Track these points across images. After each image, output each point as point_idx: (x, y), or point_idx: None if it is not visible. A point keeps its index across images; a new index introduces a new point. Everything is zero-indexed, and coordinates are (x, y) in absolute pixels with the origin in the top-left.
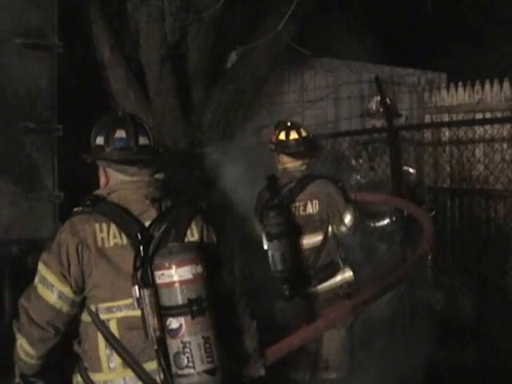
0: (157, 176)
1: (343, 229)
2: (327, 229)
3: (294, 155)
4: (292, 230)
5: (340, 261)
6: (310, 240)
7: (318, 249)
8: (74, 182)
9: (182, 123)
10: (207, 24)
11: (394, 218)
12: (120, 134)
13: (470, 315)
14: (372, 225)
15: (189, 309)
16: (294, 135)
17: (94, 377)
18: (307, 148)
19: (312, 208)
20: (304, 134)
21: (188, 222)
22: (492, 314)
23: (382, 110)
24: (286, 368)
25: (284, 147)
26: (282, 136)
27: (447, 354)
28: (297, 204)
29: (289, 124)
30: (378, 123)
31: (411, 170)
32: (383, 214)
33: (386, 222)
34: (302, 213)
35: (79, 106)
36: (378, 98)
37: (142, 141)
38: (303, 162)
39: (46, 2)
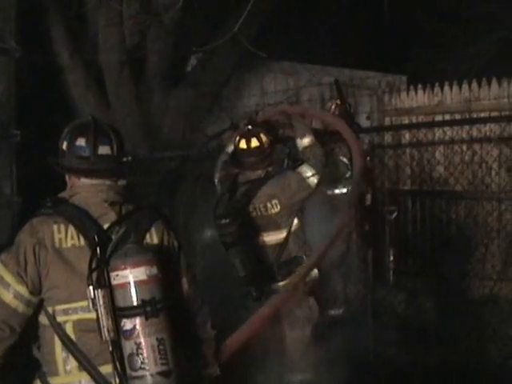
0: (119, 183)
1: (315, 181)
2: (291, 226)
3: (254, 163)
4: (247, 235)
5: (304, 257)
6: (273, 237)
7: (280, 245)
8: (33, 187)
9: (141, 127)
10: (167, 27)
11: None
12: (80, 141)
13: (432, 317)
14: None
15: (142, 310)
16: (255, 143)
17: (52, 381)
18: (268, 154)
19: (273, 208)
20: (265, 139)
21: (148, 226)
22: (453, 315)
23: (337, 112)
24: (251, 370)
25: (244, 156)
26: (243, 144)
27: (409, 355)
28: (256, 205)
29: (249, 128)
30: None
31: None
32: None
33: None
34: (264, 213)
35: (38, 110)
36: (337, 101)
37: (103, 150)
38: (263, 168)
39: (4, 5)
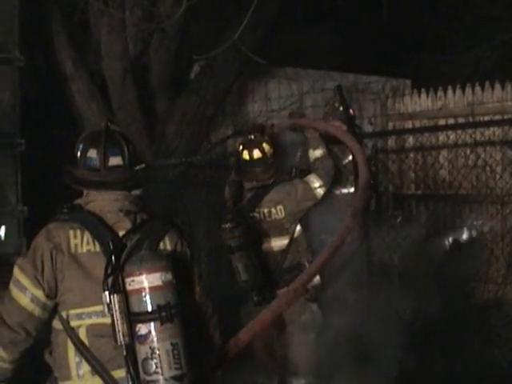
0: (133, 193)
1: (321, 193)
2: (294, 232)
3: (257, 174)
4: (252, 240)
5: (307, 264)
6: (276, 243)
7: (283, 251)
8: (38, 196)
9: (145, 135)
10: (169, 35)
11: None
12: (91, 153)
13: (436, 321)
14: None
15: (157, 315)
16: (257, 154)
17: None
18: (271, 164)
19: (277, 213)
20: (267, 148)
21: (162, 235)
22: (458, 320)
23: (334, 115)
24: (255, 373)
25: (247, 167)
26: (246, 155)
27: (414, 359)
28: (261, 210)
29: (251, 138)
30: None
31: None
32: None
33: None
34: (268, 218)
35: (43, 119)
36: (335, 104)
37: (114, 161)
38: (268, 178)
39: (7, 15)
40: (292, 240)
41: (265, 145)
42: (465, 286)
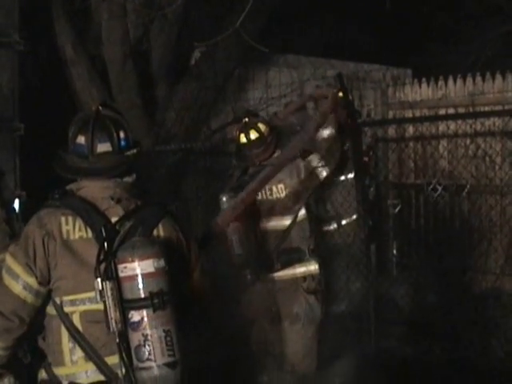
0: (125, 179)
1: (323, 173)
2: (297, 215)
3: (258, 155)
4: (249, 216)
5: (307, 251)
6: (276, 223)
7: (283, 233)
8: (37, 180)
9: (145, 121)
10: (170, 21)
11: (342, 223)
12: (80, 140)
13: (434, 311)
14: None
15: (150, 302)
16: (254, 134)
17: (58, 371)
18: (270, 142)
19: (278, 192)
20: (264, 128)
21: (156, 221)
22: (456, 310)
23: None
24: (253, 369)
25: (247, 150)
26: (243, 138)
27: (411, 349)
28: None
29: (246, 121)
30: None
31: None
32: (330, 218)
33: (332, 226)
34: (269, 197)
35: (42, 103)
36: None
37: (102, 148)
38: (269, 155)
39: None
40: (294, 222)
41: (260, 124)
42: (463, 277)
